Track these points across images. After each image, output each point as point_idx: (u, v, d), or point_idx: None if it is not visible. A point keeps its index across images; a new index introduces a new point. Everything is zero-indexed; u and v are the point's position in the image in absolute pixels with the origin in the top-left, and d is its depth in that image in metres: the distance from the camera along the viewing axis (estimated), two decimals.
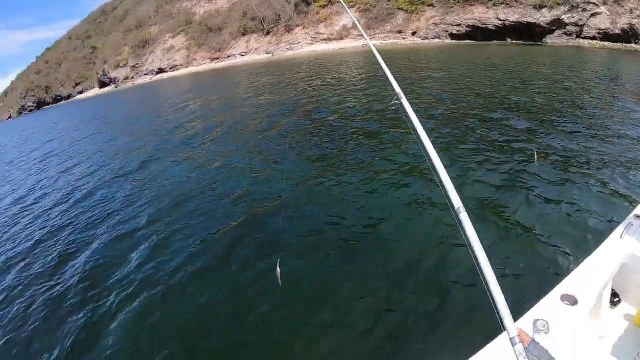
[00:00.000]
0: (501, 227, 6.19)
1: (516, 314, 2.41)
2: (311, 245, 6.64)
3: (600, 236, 3.73)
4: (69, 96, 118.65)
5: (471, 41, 53.61)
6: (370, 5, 57.20)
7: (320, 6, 60.05)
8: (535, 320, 2.55)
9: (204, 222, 8.41)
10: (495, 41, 53.71)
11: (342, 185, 8.62)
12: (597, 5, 56.41)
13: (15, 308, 7.15)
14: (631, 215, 3.77)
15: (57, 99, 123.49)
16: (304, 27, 60.06)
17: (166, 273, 6.76)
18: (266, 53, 61.42)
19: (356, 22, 6.10)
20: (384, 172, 8.97)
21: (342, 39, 56.17)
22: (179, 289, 6.26)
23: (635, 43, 55.70)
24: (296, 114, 16.54)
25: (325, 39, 57.05)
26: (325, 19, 58.68)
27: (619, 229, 3.55)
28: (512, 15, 54.09)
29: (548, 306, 2.74)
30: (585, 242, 5.21)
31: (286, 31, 61.62)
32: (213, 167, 12.08)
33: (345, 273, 5.81)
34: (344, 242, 6.58)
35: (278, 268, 3.98)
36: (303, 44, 58.35)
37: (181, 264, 6.92)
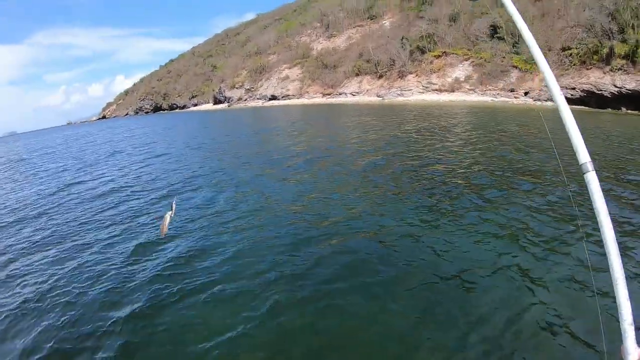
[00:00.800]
0: None
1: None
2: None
3: None
4: (184, 106, 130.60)
5: (584, 107, 52.96)
6: (485, 60, 58.89)
7: (434, 56, 62.72)
8: None
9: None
10: (609, 109, 51.70)
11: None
12: None
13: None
14: None
15: (172, 107, 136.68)
16: (416, 75, 63.04)
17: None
18: (377, 96, 65.16)
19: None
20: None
21: (453, 91, 58.30)
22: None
23: None
24: (399, 159, 17.34)
25: (437, 90, 59.50)
26: (439, 69, 61.19)
27: None
28: (629, 83, 51.72)
29: None
30: None
31: (399, 77, 64.96)
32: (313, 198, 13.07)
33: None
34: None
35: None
36: (414, 92, 61.24)
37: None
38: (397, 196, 12.08)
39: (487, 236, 8.69)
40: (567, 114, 2.02)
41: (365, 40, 75.53)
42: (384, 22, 78.78)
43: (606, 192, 9.83)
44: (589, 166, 1.92)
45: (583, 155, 1.96)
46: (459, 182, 12.86)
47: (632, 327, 1.70)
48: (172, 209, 4.07)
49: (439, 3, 70.78)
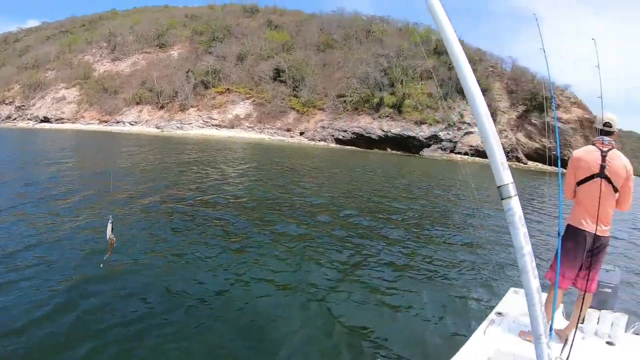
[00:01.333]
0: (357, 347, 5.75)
1: None
2: None
3: (466, 334, 3.89)
4: None
5: (354, 147, 56.30)
6: (266, 100, 59.11)
7: (218, 92, 61.12)
8: None
9: None
10: (376, 149, 57.12)
11: None
12: (470, 125, 62.63)
13: None
14: (492, 312, 4.01)
15: None
16: (198, 109, 60.38)
17: None
18: (156, 127, 60.38)
19: None
20: None
21: (233, 127, 56.94)
22: None
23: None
24: (172, 190, 14.96)
25: (217, 125, 57.58)
26: (221, 105, 59.60)
27: (483, 325, 3.72)
28: (394, 128, 58.23)
29: None
30: (453, 341, 4.83)
31: (180, 109, 61.47)
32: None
33: None
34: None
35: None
36: (194, 126, 58.33)
37: None
38: (175, 231, 9.64)
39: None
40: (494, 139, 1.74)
41: (151, 68, 70.50)
42: (172, 52, 74.83)
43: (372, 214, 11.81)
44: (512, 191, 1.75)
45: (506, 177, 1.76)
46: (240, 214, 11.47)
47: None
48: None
49: (230, 42, 70.52)
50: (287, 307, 5.80)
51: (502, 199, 1.62)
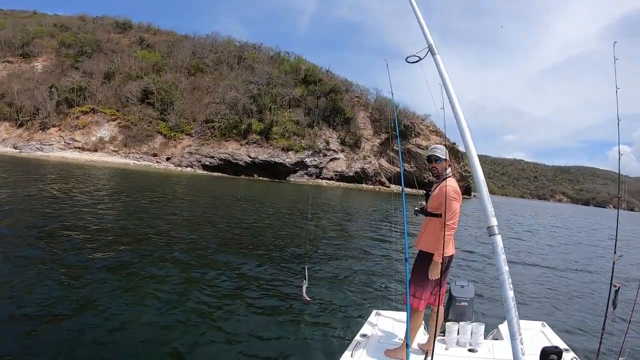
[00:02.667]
0: None
1: None
2: None
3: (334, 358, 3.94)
4: None
5: (222, 174, 57.15)
6: (132, 123, 58.43)
7: (82, 111, 59.17)
8: None
9: None
10: (244, 176, 58.53)
11: None
12: (336, 152, 66.50)
13: None
14: (358, 335, 4.18)
15: None
16: (60, 129, 58.06)
17: None
18: (14, 147, 57.38)
19: None
20: None
21: (96, 151, 55.56)
22: None
23: (366, 183, 67.37)
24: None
25: (79, 148, 55.80)
26: (84, 126, 57.72)
27: (350, 348, 3.85)
28: (262, 154, 60.37)
29: None
30: None
31: (41, 128, 58.52)
32: None
33: None
34: None
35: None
36: (55, 147, 55.95)
37: None
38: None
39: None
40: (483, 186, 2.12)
41: (12, 80, 65.69)
42: (37, 63, 70.38)
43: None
44: (496, 230, 2.03)
45: (492, 220, 2.06)
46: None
47: None
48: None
49: (98, 58, 68.23)
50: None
51: (490, 236, 1.97)
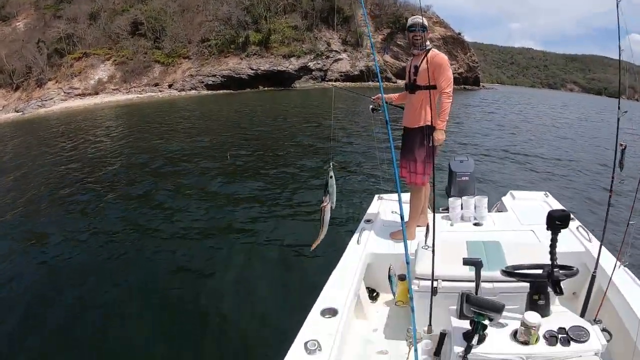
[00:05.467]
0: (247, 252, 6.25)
1: (285, 342, 2.56)
2: None
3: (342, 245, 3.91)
4: None
5: (227, 90, 55.80)
6: (127, 58, 56.31)
7: (74, 58, 57.19)
8: (306, 343, 2.49)
9: None
10: (249, 89, 57.00)
11: None
12: (339, 52, 64.22)
13: None
14: (362, 221, 4.26)
15: None
16: (57, 82, 56.36)
17: None
18: (16, 111, 55.95)
19: None
20: None
21: (97, 93, 54.06)
22: None
23: (372, 81, 64.48)
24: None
25: (80, 94, 54.30)
26: (80, 72, 56.00)
27: (355, 235, 3.94)
28: (263, 65, 58.59)
29: (313, 325, 2.73)
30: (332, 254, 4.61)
31: (37, 86, 56.81)
32: None
33: None
34: None
35: None
36: (56, 100, 54.52)
37: None
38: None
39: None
40: None
41: None
42: (17, 23, 67.62)
43: None
44: None
45: None
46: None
47: None
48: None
49: (78, 1, 64.36)
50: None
51: None
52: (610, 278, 2.77)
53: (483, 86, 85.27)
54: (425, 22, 3.77)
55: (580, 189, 8.37)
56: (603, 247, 2.93)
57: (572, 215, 3.59)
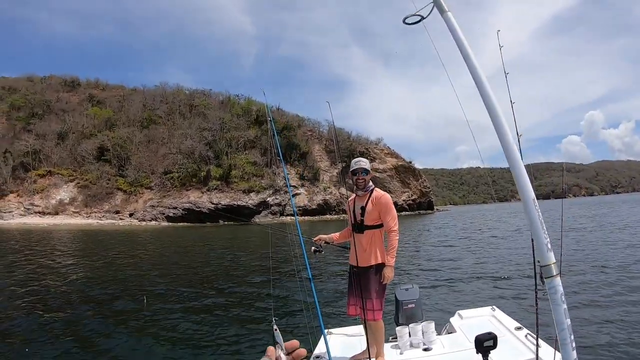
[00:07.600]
0: None
1: None
2: None
3: None
4: None
5: (187, 223, 57.67)
6: (90, 182, 58.98)
7: (38, 175, 59.12)
8: None
9: None
10: (209, 223, 58.50)
11: None
12: (296, 187, 68.62)
13: None
14: (312, 357, 3.95)
15: None
16: (18, 195, 57.71)
17: None
18: None
19: None
20: None
21: (57, 214, 55.53)
22: None
23: (330, 214, 69.32)
24: None
25: (40, 212, 55.73)
26: (43, 190, 57.74)
27: None
28: (224, 199, 61.63)
29: None
30: None
31: None
32: None
33: None
34: None
35: None
36: (15, 214, 55.50)
37: None
38: None
39: None
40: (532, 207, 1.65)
41: None
42: None
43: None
44: (554, 270, 1.62)
45: (549, 256, 1.63)
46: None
47: None
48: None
49: (49, 119, 68.29)
50: None
51: (545, 278, 1.60)
52: None
53: (437, 209, 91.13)
54: (368, 166, 3.96)
55: (527, 295, 8.27)
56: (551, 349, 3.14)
57: (519, 325, 3.99)
